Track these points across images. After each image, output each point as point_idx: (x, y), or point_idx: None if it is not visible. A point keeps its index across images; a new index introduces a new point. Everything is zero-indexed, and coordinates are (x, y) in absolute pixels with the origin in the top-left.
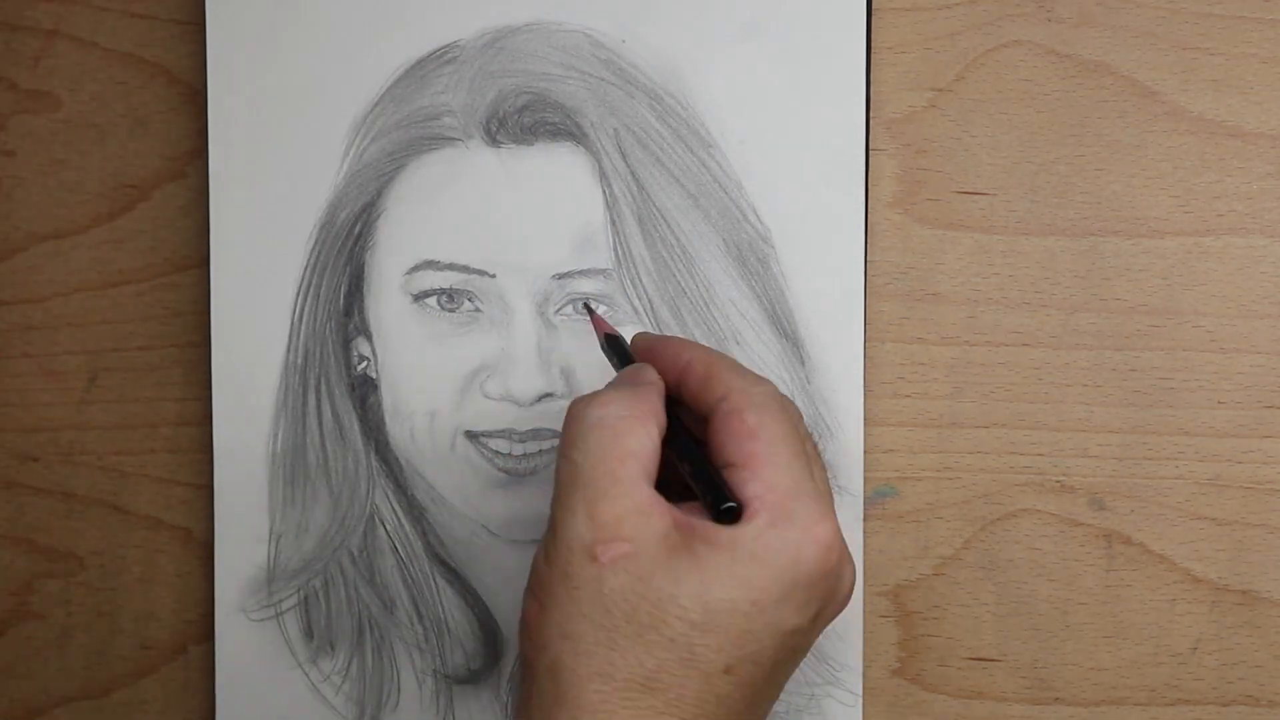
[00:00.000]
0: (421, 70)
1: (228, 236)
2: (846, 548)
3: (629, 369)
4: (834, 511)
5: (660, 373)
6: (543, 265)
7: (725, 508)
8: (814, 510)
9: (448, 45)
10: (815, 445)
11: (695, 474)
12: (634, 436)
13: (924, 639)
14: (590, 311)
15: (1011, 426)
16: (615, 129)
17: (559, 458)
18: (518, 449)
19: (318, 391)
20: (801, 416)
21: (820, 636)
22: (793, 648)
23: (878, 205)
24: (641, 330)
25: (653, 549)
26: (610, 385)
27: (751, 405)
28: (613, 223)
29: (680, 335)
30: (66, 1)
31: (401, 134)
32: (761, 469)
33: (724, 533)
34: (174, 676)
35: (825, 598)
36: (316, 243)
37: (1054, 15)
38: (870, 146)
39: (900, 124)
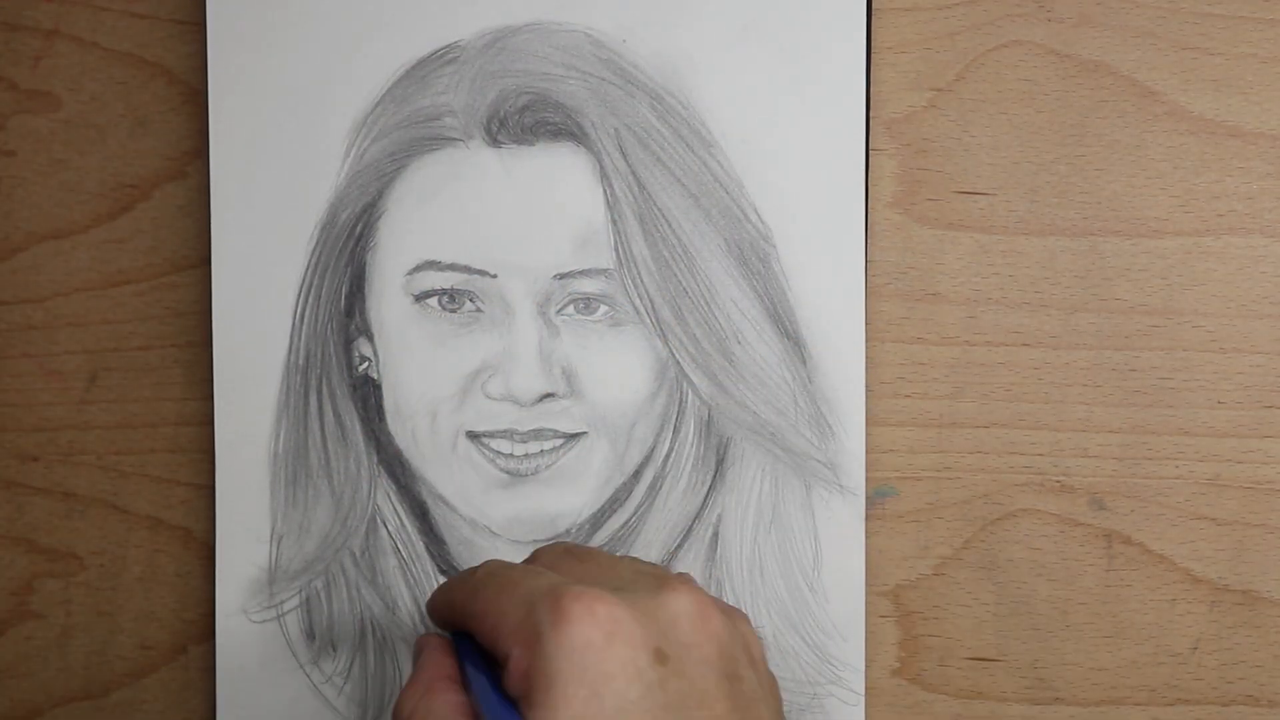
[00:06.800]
0: (422, 70)
1: (228, 236)
2: (611, 604)
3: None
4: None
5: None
6: (544, 265)
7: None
8: (549, 606)
9: (448, 45)
10: (571, 549)
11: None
12: (438, 710)
13: (924, 639)
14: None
15: (1011, 426)
16: (616, 129)
17: None
18: (519, 449)
19: (319, 392)
20: (564, 548)
21: (823, 635)
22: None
23: (878, 205)
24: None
25: None
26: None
27: (478, 588)
28: (614, 222)
29: (677, 337)
30: (66, 1)
31: (402, 134)
32: (498, 629)
33: (520, 700)
34: (174, 676)
35: (658, 635)
36: (317, 243)
37: (1054, 15)
38: (870, 146)
39: (900, 124)
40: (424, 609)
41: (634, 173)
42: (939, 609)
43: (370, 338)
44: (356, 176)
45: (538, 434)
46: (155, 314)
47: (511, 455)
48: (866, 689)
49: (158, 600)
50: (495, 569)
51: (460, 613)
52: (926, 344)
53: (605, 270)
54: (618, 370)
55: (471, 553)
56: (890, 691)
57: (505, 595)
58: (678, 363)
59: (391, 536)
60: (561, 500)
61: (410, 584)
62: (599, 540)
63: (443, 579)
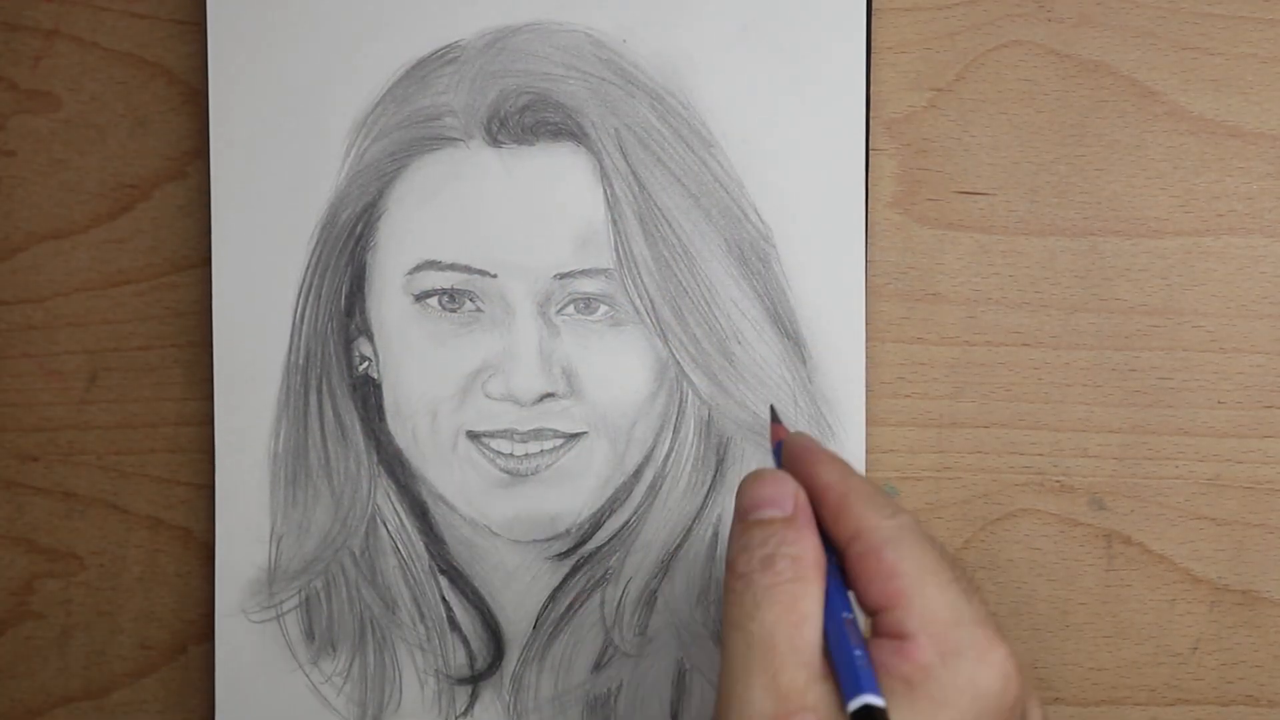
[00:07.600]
0: (422, 70)
1: (229, 236)
2: (1026, 676)
3: (772, 483)
4: (1003, 636)
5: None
6: (544, 265)
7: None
8: (981, 637)
9: (449, 45)
10: (967, 572)
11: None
12: (807, 598)
13: None
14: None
15: (1011, 426)
16: (616, 129)
17: (728, 627)
18: (519, 449)
19: (319, 392)
20: (945, 547)
21: None
22: None
23: (878, 205)
24: (800, 432)
25: (835, 713)
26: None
27: (886, 541)
28: (614, 222)
29: (677, 337)
30: (66, 1)
31: (403, 134)
32: (912, 604)
33: (895, 681)
34: (174, 676)
35: None
36: (318, 243)
37: (1054, 15)
38: (870, 146)
39: (900, 124)
40: (778, 441)
41: (634, 173)
42: None
43: (370, 337)
44: (357, 176)
45: (538, 434)
46: (155, 314)
47: (511, 455)
48: None
49: (158, 600)
50: (916, 526)
51: (857, 533)
52: (926, 344)
53: (605, 270)
54: (618, 370)
55: (472, 552)
56: None
57: (932, 577)
58: (678, 363)
59: (391, 536)
60: (561, 500)
61: (410, 584)
62: (599, 540)
63: (442, 579)
